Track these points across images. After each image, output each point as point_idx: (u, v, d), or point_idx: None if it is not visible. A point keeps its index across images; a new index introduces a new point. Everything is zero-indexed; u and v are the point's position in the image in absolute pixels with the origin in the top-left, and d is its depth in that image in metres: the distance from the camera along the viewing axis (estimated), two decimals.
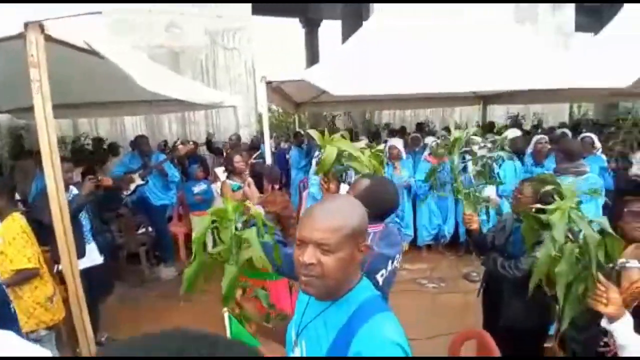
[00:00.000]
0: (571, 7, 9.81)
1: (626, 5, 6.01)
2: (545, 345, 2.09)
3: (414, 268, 4.87)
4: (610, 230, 1.30)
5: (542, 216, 1.38)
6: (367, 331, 0.92)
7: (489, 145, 3.65)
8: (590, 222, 1.31)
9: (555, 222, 1.30)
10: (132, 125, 8.13)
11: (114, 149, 6.52)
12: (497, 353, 1.71)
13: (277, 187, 4.18)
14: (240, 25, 8.66)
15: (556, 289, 1.30)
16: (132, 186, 4.49)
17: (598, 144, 4.62)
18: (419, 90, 4.15)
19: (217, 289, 1.26)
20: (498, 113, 8.55)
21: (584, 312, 1.46)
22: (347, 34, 8.32)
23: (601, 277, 1.28)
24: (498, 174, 4.41)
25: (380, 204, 1.61)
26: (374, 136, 7.14)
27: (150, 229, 5.00)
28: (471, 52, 4.47)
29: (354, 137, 6.53)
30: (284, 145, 7.98)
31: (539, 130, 7.10)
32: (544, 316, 2.02)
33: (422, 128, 8.03)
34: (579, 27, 10.04)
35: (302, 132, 6.92)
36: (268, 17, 12.62)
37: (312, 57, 11.92)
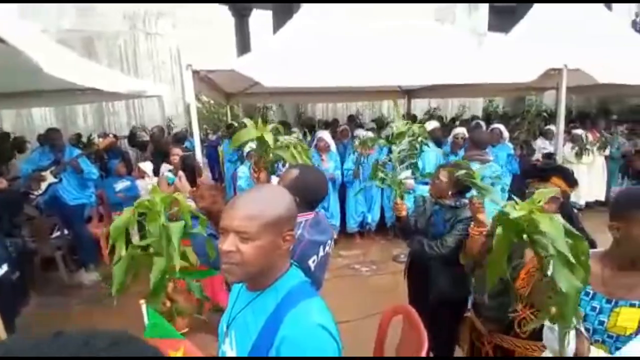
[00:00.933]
0: (485, 8, 10.69)
1: (535, 6, 6.69)
2: (465, 314, 2.31)
3: (349, 254, 5.09)
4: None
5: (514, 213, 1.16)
6: (294, 316, 0.94)
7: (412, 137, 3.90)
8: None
9: (553, 232, 1.00)
10: (41, 118, 7.31)
11: (19, 145, 5.83)
12: (420, 326, 1.85)
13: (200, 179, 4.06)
14: (163, 10, 8.15)
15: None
16: (44, 185, 4.07)
17: (506, 134, 5.15)
18: (348, 83, 4.28)
19: (148, 290, 1.22)
20: (421, 106, 9.10)
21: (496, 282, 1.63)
22: (278, 24, 8.25)
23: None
24: (415, 163, 4.73)
25: (310, 193, 1.66)
26: (310, 129, 7.20)
27: (66, 231, 4.57)
28: (396, 49, 4.69)
29: (285, 129, 6.52)
30: (212, 137, 7.73)
31: (457, 123, 7.73)
32: (465, 288, 2.24)
33: (353, 120, 8.28)
34: (492, 27, 10.97)
35: (235, 124, 6.75)
36: (194, 4, 12.02)
37: (243, 46, 11.60)
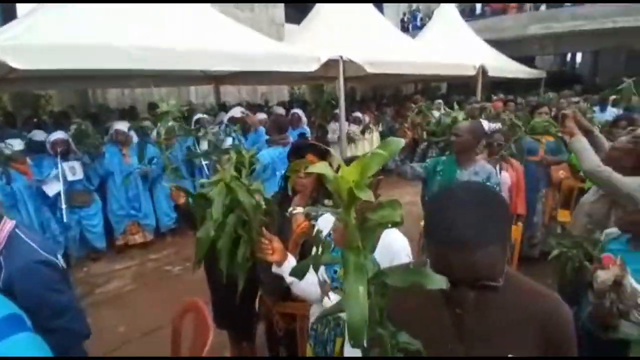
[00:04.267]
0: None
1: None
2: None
3: (159, 256, 4.72)
4: (264, 194, 1.45)
5: (207, 190, 1.39)
6: None
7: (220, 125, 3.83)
8: (249, 189, 1.39)
9: (215, 197, 1.29)
10: None
11: None
12: (209, 321, 1.81)
13: None
14: None
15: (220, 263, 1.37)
16: None
17: (304, 118, 5.64)
18: (125, 65, 3.79)
19: None
20: (231, 92, 9.10)
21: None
22: None
23: (265, 232, 1.46)
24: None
25: None
26: (95, 118, 6.22)
27: None
28: (195, 34, 4.49)
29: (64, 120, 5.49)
30: None
31: (266, 109, 8.05)
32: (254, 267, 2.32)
33: (154, 108, 7.61)
34: (290, 19, 11.74)
35: None
36: None
37: (10, 15, 9.03)
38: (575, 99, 6.22)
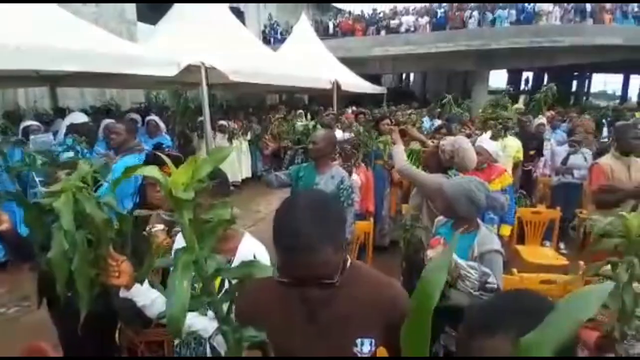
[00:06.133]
0: None
1: (175, 6, 6.99)
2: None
3: None
4: (116, 208, 1.20)
5: (45, 200, 1.13)
6: None
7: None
8: (99, 201, 1.16)
9: (61, 208, 1.07)
10: None
11: None
12: None
13: None
14: None
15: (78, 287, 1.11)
16: None
17: (162, 125, 5.27)
18: None
19: None
20: (72, 95, 7.92)
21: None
22: None
23: (112, 252, 1.24)
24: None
25: None
26: None
27: None
28: (24, 27, 3.78)
29: None
30: None
31: (117, 114, 7.24)
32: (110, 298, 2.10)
33: None
34: (143, 18, 10.80)
35: None
36: None
37: None
38: (409, 111, 7.41)
